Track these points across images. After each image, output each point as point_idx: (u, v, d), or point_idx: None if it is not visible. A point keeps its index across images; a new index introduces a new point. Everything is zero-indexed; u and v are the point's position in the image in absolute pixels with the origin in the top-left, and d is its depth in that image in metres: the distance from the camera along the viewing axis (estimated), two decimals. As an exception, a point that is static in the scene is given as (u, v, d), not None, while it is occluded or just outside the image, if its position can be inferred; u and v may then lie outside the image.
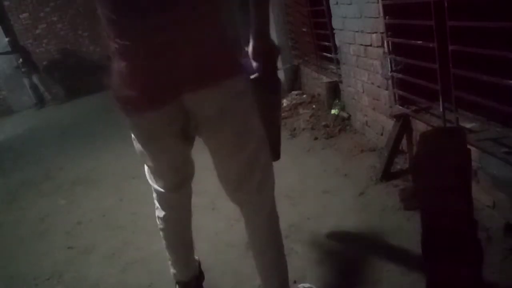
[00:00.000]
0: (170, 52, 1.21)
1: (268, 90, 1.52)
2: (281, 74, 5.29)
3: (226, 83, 1.30)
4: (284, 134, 3.65)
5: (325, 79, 3.84)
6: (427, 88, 2.11)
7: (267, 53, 1.48)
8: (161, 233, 1.71)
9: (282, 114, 4.16)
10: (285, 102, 4.55)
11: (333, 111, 3.61)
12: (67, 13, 8.73)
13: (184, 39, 1.21)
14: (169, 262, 1.77)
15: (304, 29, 4.23)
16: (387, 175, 2.44)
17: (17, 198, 3.59)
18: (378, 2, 2.33)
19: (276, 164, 3.17)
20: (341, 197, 2.40)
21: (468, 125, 1.95)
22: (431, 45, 1.96)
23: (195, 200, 2.76)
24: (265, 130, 1.47)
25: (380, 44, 2.48)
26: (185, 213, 1.71)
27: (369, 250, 1.90)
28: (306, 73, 4.63)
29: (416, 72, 2.21)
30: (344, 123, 3.44)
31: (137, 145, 1.48)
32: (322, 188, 2.54)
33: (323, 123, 3.55)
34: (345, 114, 3.48)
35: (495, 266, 1.57)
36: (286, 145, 3.42)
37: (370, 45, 2.62)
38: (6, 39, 8.50)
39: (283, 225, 2.22)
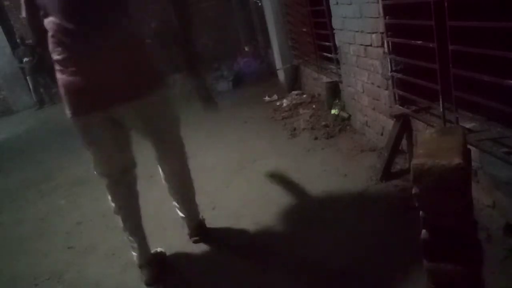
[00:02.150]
0: (101, 69, 1.52)
1: None
2: (281, 74, 5.30)
3: (148, 98, 1.66)
4: (284, 134, 3.65)
5: (325, 79, 3.84)
6: (427, 88, 2.11)
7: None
8: (120, 223, 2.01)
9: (282, 114, 4.17)
10: (285, 102, 4.55)
11: (333, 111, 3.61)
12: (67, 13, 8.73)
13: (113, 61, 1.53)
14: (132, 251, 2.04)
15: (304, 29, 4.23)
16: (387, 175, 2.44)
17: (17, 198, 3.59)
18: (378, 2, 2.33)
19: (276, 164, 3.18)
20: (341, 197, 2.40)
21: (468, 125, 1.94)
22: (431, 45, 1.96)
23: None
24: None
25: (380, 44, 2.48)
26: (134, 198, 2.05)
27: (369, 250, 1.90)
28: (306, 73, 4.63)
29: (416, 72, 2.21)
30: (344, 123, 3.44)
31: (82, 140, 1.79)
32: (322, 188, 2.54)
33: (323, 123, 3.55)
34: (345, 114, 3.48)
35: (495, 266, 1.57)
36: (286, 145, 3.43)
37: (370, 45, 2.62)
38: (17, 36, 8.51)
39: (283, 225, 2.24)
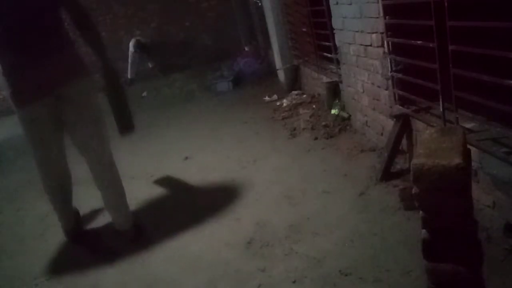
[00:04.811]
0: (42, 67, 2.12)
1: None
2: (281, 74, 5.30)
3: (78, 83, 2.23)
4: (284, 134, 3.65)
5: (325, 79, 3.84)
6: (427, 88, 2.11)
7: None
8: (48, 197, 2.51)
9: (282, 114, 4.17)
10: (285, 102, 4.55)
11: (333, 111, 3.61)
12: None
13: (50, 60, 2.14)
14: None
15: (304, 29, 4.23)
16: (387, 175, 2.44)
17: (17, 198, 3.59)
18: (378, 2, 2.33)
19: (276, 164, 3.18)
20: (341, 197, 2.40)
21: (468, 125, 1.95)
22: (431, 45, 1.96)
23: (195, 200, 2.78)
24: (114, 105, 2.47)
25: (380, 44, 2.48)
26: (66, 187, 2.53)
27: (369, 250, 1.90)
28: (306, 73, 4.63)
29: (416, 72, 2.21)
30: (344, 123, 3.44)
31: (28, 138, 2.33)
32: (322, 188, 2.54)
33: (323, 123, 3.55)
34: (345, 114, 3.48)
35: (495, 266, 1.57)
36: (286, 145, 3.43)
37: (370, 45, 2.62)
38: None
39: (283, 225, 2.24)
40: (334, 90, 3.66)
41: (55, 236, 2.74)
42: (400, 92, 2.42)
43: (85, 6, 2.35)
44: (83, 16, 2.28)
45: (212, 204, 2.68)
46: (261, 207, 2.51)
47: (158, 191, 3.10)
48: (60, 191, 2.50)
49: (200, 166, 3.38)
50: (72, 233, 2.58)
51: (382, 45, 2.45)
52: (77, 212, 2.70)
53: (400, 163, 2.54)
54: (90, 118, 2.30)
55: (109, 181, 2.40)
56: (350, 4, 2.74)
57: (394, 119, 2.46)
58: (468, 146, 1.24)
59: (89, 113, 2.29)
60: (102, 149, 2.37)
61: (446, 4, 1.74)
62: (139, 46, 7.58)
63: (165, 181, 3.21)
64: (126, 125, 2.59)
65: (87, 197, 2.92)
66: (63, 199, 2.52)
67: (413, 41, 2.13)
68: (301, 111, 4.12)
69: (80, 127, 2.30)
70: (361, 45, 2.77)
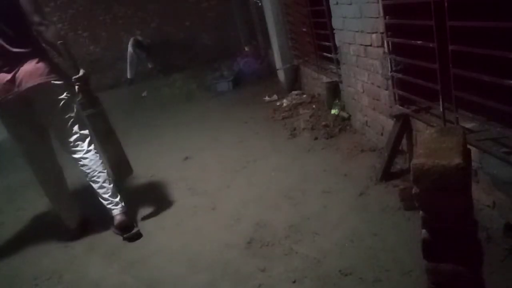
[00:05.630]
0: (15, 71, 2.24)
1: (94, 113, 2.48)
2: (281, 74, 5.30)
3: (47, 86, 2.31)
4: (284, 134, 3.65)
5: (325, 79, 3.84)
6: (427, 88, 2.11)
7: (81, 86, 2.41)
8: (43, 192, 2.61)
9: (282, 114, 4.17)
10: (285, 102, 4.55)
11: (333, 111, 3.61)
12: (67, 13, 8.72)
13: (24, 65, 2.25)
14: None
15: (304, 29, 4.23)
16: (387, 175, 2.44)
17: (17, 198, 3.59)
18: (378, 2, 2.33)
19: (276, 164, 3.18)
20: (341, 197, 2.40)
21: (468, 125, 1.95)
22: (431, 45, 1.96)
23: (195, 200, 2.78)
24: (110, 152, 2.56)
25: (380, 44, 2.48)
26: (59, 179, 2.63)
27: (369, 250, 1.90)
28: (306, 73, 4.63)
29: (416, 72, 2.21)
30: (344, 123, 3.44)
31: (8, 133, 2.50)
32: (322, 188, 2.54)
33: (323, 123, 3.55)
34: (345, 114, 3.48)
35: (495, 266, 1.57)
36: (286, 145, 3.43)
37: (370, 45, 2.62)
38: None
39: (283, 225, 2.24)
40: (334, 90, 3.66)
41: (55, 236, 2.74)
42: (400, 92, 2.42)
43: (41, 8, 2.42)
44: (38, 16, 2.30)
45: (212, 204, 2.68)
46: (261, 207, 2.51)
47: (158, 190, 3.10)
48: (53, 183, 2.58)
49: (200, 166, 3.38)
50: (73, 233, 2.61)
51: (382, 45, 2.45)
52: (80, 212, 2.71)
53: (400, 163, 2.54)
54: (61, 120, 2.41)
55: (88, 173, 2.50)
56: (350, 4, 2.74)
57: (394, 119, 2.46)
58: (468, 146, 1.24)
59: (60, 116, 2.40)
60: (77, 148, 2.51)
61: (446, 4, 1.74)
62: (138, 45, 7.58)
63: (165, 181, 3.21)
64: (122, 170, 2.61)
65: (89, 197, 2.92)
66: (56, 191, 2.59)
67: (413, 41, 2.13)
68: (301, 111, 4.12)
69: (53, 128, 2.48)
70: (361, 45, 2.77)
